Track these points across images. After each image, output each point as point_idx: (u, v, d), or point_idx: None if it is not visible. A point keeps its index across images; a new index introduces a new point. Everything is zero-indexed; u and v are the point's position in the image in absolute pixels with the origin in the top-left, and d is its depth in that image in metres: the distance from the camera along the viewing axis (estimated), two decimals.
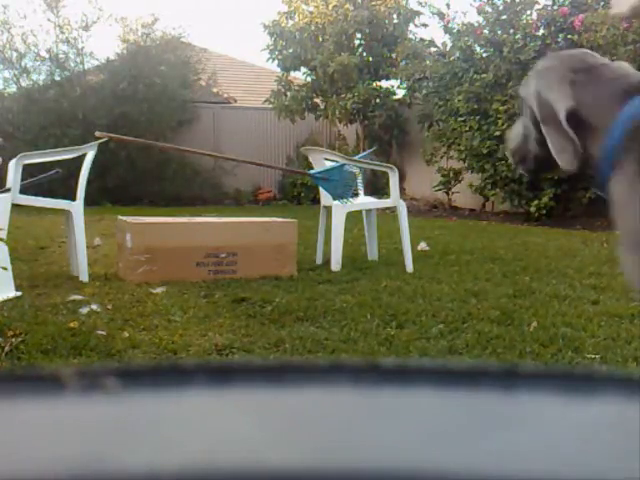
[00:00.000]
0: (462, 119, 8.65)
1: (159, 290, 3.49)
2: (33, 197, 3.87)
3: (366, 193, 5.01)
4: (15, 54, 11.29)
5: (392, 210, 5.00)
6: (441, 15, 9.31)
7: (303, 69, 11.87)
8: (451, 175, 9.68)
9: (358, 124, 11.87)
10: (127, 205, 9.73)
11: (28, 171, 3.89)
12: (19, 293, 3.29)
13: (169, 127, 11.34)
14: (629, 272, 1.09)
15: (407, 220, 4.34)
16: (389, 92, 11.64)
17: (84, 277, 3.76)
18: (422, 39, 10.60)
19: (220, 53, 15.36)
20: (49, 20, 11.36)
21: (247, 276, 3.85)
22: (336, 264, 4.18)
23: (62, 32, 11.36)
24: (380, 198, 5.46)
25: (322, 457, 0.22)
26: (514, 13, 8.19)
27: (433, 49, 9.90)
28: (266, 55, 11.88)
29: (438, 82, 9.13)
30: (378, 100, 11.37)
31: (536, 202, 7.86)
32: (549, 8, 7.97)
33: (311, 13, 11.72)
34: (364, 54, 11.72)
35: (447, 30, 9.16)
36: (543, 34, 7.90)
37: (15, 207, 3.58)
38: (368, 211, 4.69)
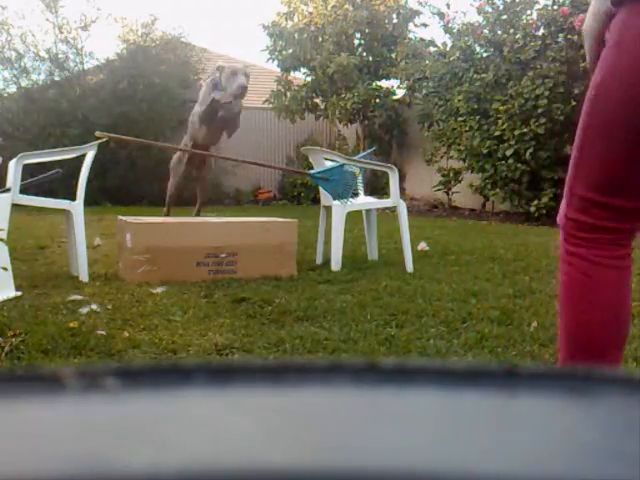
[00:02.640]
0: (462, 119, 8.65)
1: (159, 290, 3.49)
2: (33, 197, 3.87)
3: (366, 193, 5.01)
4: (14, 54, 11.30)
5: (392, 210, 5.00)
6: (441, 15, 9.31)
7: (303, 69, 11.88)
8: (451, 175, 9.69)
9: (358, 124, 11.88)
10: (127, 205, 9.73)
11: (28, 171, 3.89)
12: (19, 293, 3.29)
13: (169, 127, 11.35)
14: None
15: (407, 220, 4.34)
16: (389, 92, 11.64)
17: (84, 277, 3.76)
18: (422, 39, 10.62)
19: (220, 53, 15.36)
20: (48, 20, 11.37)
21: (247, 276, 3.85)
22: (336, 264, 4.18)
23: (61, 32, 11.37)
24: (380, 198, 5.46)
25: (322, 457, 0.22)
26: (514, 13, 8.19)
27: (433, 49, 9.90)
28: (266, 55, 11.90)
29: (438, 82, 9.14)
30: (378, 100, 11.37)
31: (536, 202, 7.86)
32: (549, 8, 7.98)
33: (310, 13, 11.72)
34: (364, 54, 11.72)
35: (447, 30, 9.16)
36: (543, 34, 7.90)
37: (15, 207, 3.58)
38: (368, 211, 4.69)
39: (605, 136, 1.29)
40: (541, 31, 7.98)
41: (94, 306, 3.06)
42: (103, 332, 2.62)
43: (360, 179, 4.46)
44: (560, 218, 1.42)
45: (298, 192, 12.16)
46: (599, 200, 1.33)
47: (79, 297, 3.27)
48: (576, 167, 1.36)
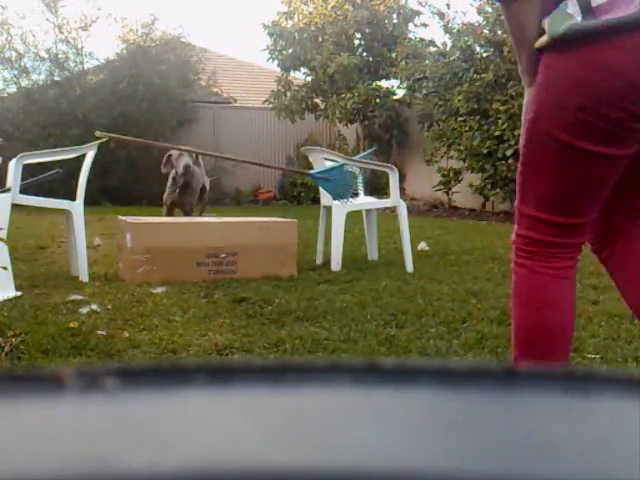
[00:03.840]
0: (462, 119, 8.65)
1: (159, 290, 3.49)
2: (33, 197, 3.87)
3: (366, 193, 5.01)
4: (14, 54, 11.29)
5: (392, 210, 5.00)
6: (441, 15, 9.31)
7: (303, 69, 11.88)
8: (451, 175, 9.68)
9: (358, 124, 11.88)
10: (127, 205, 9.73)
11: (28, 171, 3.89)
12: (19, 293, 3.29)
13: (169, 127, 11.35)
14: None
15: (407, 220, 4.34)
16: (389, 92, 11.64)
17: (84, 277, 3.76)
18: (422, 39, 10.62)
19: (220, 53, 15.37)
20: (48, 20, 11.37)
21: (247, 276, 3.85)
22: (336, 264, 4.19)
23: (61, 32, 11.37)
24: (380, 198, 5.46)
25: (322, 457, 0.22)
26: None
27: (433, 49, 9.91)
28: (266, 55, 11.90)
29: (438, 82, 9.14)
30: (378, 100, 11.38)
31: None
32: None
33: (310, 13, 11.73)
34: (364, 54, 11.72)
35: (447, 30, 9.17)
36: None
37: (15, 207, 3.58)
38: (368, 211, 4.69)
39: (541, 165, 1.44)
40: None
41: (94, 306, 3.06)
42: (103, 332, 2.62)
43: (360, 179, 4.46)
44: (512, 237, 1.60)
45: (298, 192, 12.15)
46: (545, 218, 1.47)
47: (79, 297, 3.27)
48: (521, 189, 1.51)
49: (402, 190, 10.13)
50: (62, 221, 4.52)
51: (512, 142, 7.86)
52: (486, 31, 8.44)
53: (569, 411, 0.27)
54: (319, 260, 4.50)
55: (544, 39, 1.40)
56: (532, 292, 1.53)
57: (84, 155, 4.02)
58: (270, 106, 12.03)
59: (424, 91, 9.67)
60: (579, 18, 1.34)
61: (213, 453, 0.22)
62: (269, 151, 12.61)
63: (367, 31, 11.49)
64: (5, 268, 3.04)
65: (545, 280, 1.51)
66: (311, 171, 4.52)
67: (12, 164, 3.67)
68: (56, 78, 11.36)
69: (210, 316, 2.96)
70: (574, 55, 1.36)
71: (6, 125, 10.73)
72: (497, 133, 8.07)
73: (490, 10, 8.40)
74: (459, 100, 8.57)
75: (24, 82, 11.42)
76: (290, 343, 2.52)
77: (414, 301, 3.28)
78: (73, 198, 3.89)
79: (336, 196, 4.14)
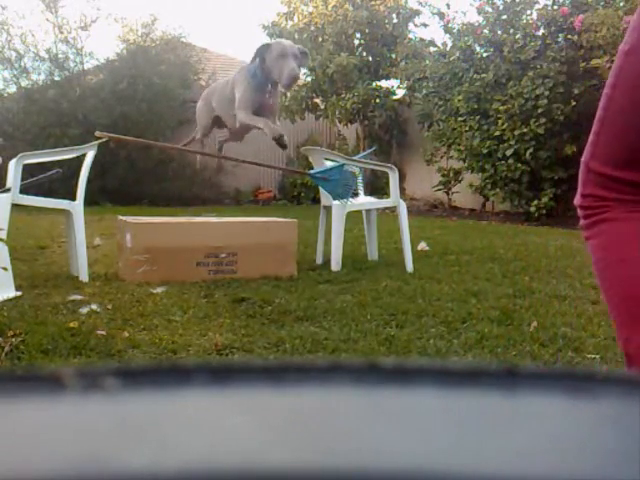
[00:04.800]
0: (462, 119, 8.65)
1: (159, 290, 3.49)
2: (33, 197, 3.86)
3: (366, 193, 5.01)
4: (14, 54, 11.29)
5: (392, 210, 5.00)
6: (441, 15, 9.31)
7: (303, 69, 11.88)
8: (451, 175, 9.68)
9: (358, 124, 11.88)
10: (127, 205, 9.73)
11: (28, 171, 3.89)
12: (19, 293, 3.29)
13: (169, 127, 11.35)
14: None
15: (407, 220, 4.34)
16: (389, 92, 11.64)
17: (84, 277, 3.76)
18: (422, 39, 10.62)
19: (220, 53, 15.35)
20: (47, 20, 11.37)
21: (247, 276, 3.85)
22: (336, 264, 4.19)
23: (61, 32, 11.37)
24: (380, 198, 5.46)
25: (322, 457, 0.22)
26: (514, 13, 8.20)
27: (433, 49, 9.90)
28: None
29: (438, 82, 9.14)
30: (378, 100, 11.37)
31: (536, 202, 7.86)
32: (549, 8, 7.98)
33: (310, 13, 11.72)
34: (364, 54, 11.72)
35: (447, 30, 9.16)
36: (543, 34, 7.91)
37: (15, 207, 3.58)
38: (368, 211, 4.69)
39: (627, 107, 1.21)
40: (541, 31, 7.98)
41: (94, 306, 3.06)
42: (103, 332, 2.62)
43: (360, 179, 4.46)
44: (576, 199, 1.34)
45: (298, 192, 12.15)
46: (619, 175, 1.24)
47: (79, 297, 3.27)
48: (595, 140, 1.26)
49: (402, 190, 10.13)
50: (62, 221, 4.52)
51: (512, 142, 7.86)
52: (486, 31, 8.44)
53: (569, 411, 0.27)
54: (319, 260, 4.50)
55: None
56: (628, 243, 1.24)
57: (84, 155, 4.02)
58: None
59: (424, 91, 9.66)
60: None
61: (213, 453, 0.22)
62: (269, 151, 12.61)
63: (367, 31, 11.48)
64: (5, 269, 3.04)
65: (637, 225, 1.23)
66: (311, 171, 4.52)
67: (12, 164, 3.67)
68: (56, 78, 11.36)
69: (210, 316, 2.96)
70: None
71: (6, 125, 10.73)
72: (497, 133, 8.06)
73: (490, 10, 8.40)
74: (459, 100, 8.57)
75: (24, 82, 11.42)
76: (290, 343, 2.52)
77: (414, 301, 3.28)
78: (73, 198, 3.89)
79: (336, 196, 4.14)
